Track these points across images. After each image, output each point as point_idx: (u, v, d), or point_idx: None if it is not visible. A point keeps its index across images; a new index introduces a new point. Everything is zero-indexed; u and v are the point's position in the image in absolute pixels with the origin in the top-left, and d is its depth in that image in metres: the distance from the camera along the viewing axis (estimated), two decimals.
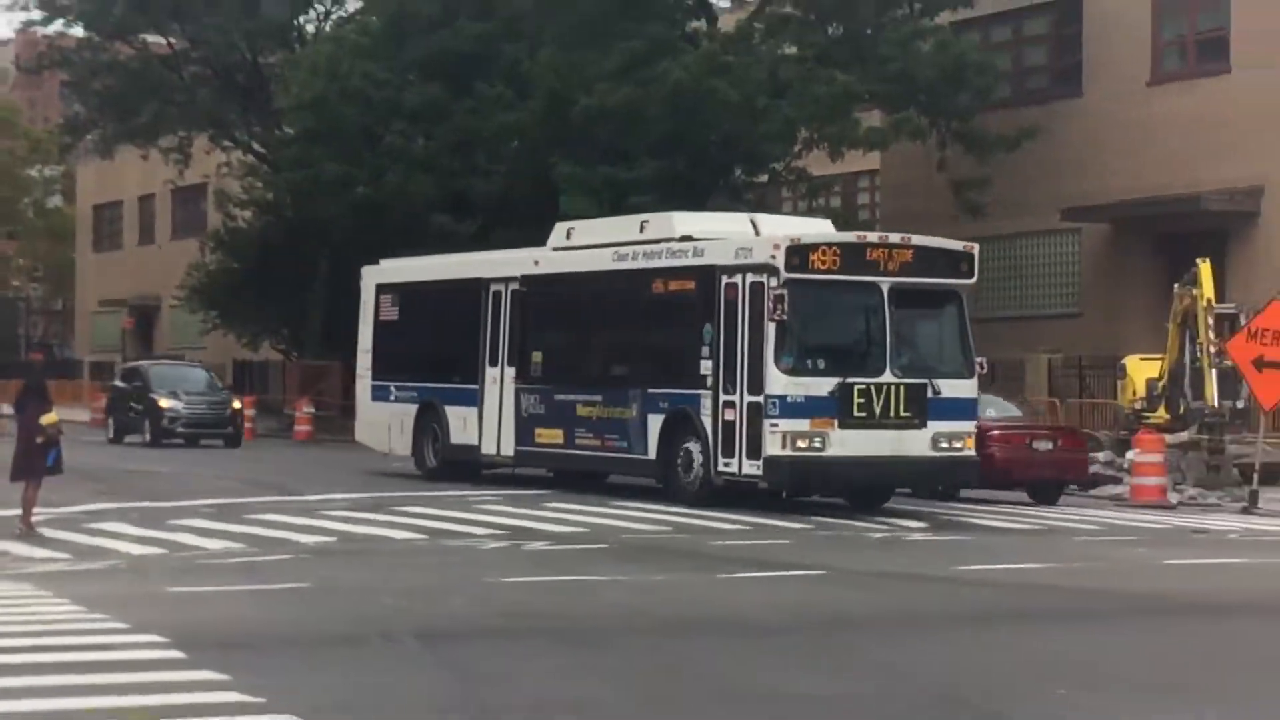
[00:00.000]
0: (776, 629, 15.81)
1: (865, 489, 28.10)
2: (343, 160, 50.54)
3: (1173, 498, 30.77)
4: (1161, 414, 33.16)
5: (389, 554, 22.60)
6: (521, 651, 13.98)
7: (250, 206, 63.98)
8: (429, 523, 26.17)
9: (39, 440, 24.67)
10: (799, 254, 25.95)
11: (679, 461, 27.93)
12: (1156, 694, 12.61)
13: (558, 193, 44.37)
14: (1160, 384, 33.38)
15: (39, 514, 24.64)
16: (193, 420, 47.70)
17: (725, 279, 27.29)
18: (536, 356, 31.78)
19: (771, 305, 25.55)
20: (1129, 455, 32.57)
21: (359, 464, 40.47)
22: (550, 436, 31.16)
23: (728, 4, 51.09)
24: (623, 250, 30.22)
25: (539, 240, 42.70)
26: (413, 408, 34.24)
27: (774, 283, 25.80)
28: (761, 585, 19.48)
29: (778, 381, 25.78)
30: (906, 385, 25.93)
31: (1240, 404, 31.00)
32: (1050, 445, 31.59)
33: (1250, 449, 30.76)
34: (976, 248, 28.12)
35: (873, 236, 27.42)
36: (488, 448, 32.42)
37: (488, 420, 32.31)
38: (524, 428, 31.64)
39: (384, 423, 35.71)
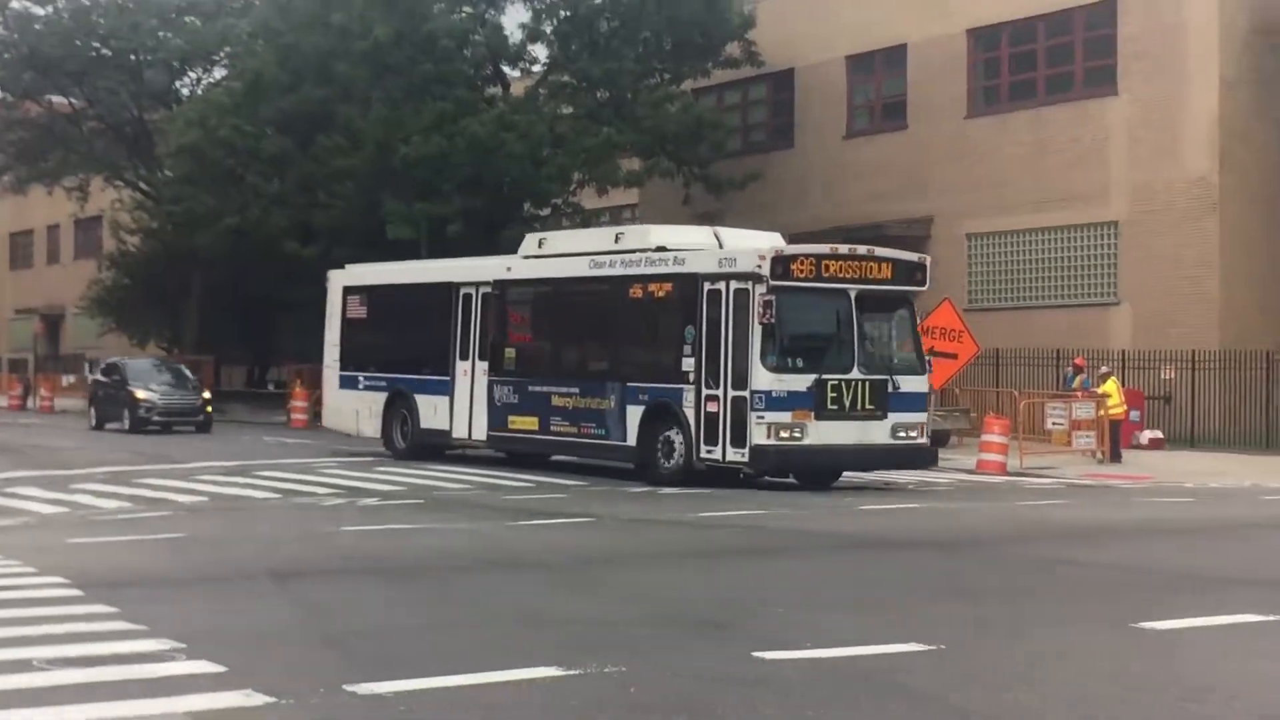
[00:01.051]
0: (554, 565, 15.67)
1: (833, 473, 26.45)
2: (213, 197, 50.43)
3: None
4: None
5: (248, 510, 22.32)
6: (352, 586, 14.04)
7: (138, 234, 63.86)
8: (282, 485, 25.93)
9: None
10: (782, 264, 24.43)
11: (660, 448, 25.96)
12: (853, 609, 12.60)
13: (385, 223, 44.97)
14: None
15: None
16: (166, 409, 43.97)
17: (708, 285, 25.45)
18: (510, 352, 29.90)
19: (761, 309, 24.00)
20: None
21: (243, 438, 40.65)
22: (524, 424, 29.08)
23: (518, 74, 51.46)
24: (599, 259, 28.14)
25: (370, 258, 43.31)
26: (382, 395, 31.94)
27: (761, 289, 24.16)
28: (543, 531, 19.26)
29: (763, 378, 24.22)
30: (871, 381, 24.75)
31: None
32: None
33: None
34: (929, 259, 27.31)
35: (844, 248, 25.70)
36: (459, 433, 30.44)
37: (459, 408, 30.30)
38: (497, 415, 29.53)
39: (352, 409, 33.36)
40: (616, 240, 28.52)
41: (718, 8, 47.20)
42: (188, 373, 47.88)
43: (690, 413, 25.25)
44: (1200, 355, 35.02)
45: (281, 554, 16.37)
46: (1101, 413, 31.62)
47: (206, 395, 45.99)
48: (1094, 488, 27.60)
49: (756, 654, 10.05)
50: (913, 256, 26.60)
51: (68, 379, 72.21)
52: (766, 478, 25.96)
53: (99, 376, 49.05)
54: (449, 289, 31.01)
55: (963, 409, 35.80)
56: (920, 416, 25.61)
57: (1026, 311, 40.30)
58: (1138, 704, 8.91)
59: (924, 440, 25.73)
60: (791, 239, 44.64)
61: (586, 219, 52.76)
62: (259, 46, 51.62)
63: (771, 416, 24.10)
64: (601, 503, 23.31)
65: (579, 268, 28.52)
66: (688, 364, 25.52)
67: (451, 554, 16.56)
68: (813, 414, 24.15)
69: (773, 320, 23.95)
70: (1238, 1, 37.23)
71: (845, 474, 26.36)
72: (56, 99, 63.21)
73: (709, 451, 25.10)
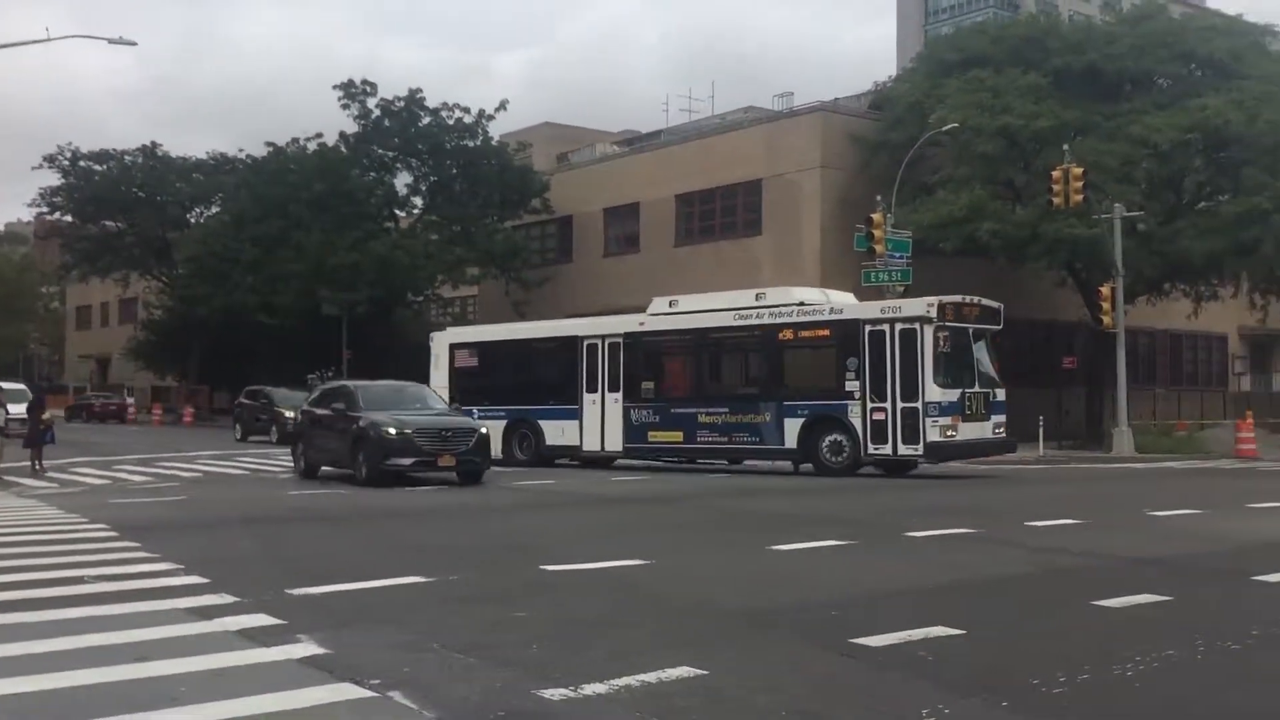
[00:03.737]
0: (436, 513, 15.34)
1: (960, 459, 23.73)
2: (208, 286, 49.27)
3: None
4: None
5: (229, 481, 21.80)
6: (298, 529, 13.58)
7: (160, 309, 61.90)
8: (251, 465, 25.44)
9: (40, 426, 24.27)
10: (942, 310, 21.83)
11: (826, 449, 22.54)
12: (608, 540, 12.45)
13: (319, 305, 44.25)
14: None
15: (44, 465, 23.84)
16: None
17: (869, 328, 22.20)
18: (647, 384, 25.13)
19: (936, 342, 21.46)
20: None
21: (219, 437, 39.55)
22: (666, 437, 24.64)
23: (404, 214, 50.99)
24: (744, 311, 24.14)
25: (310, 330, 42.40)
26: (500, 423, 26.11)
27: (929, 329, 21.51)
28: (438, 493, 18.60)
29: (935, 392, 21.48)
30: (984, 393, 22.38)
31: None
32: None
33: None
34: (1001, 306, 23.67)
35: (971, 299, 22.96)
36: (589, 446, 25.56)
37: (588, 429, 25.55)
38: (635, 432, 24.99)
39: None
40: (757, 298, 24.53)
41: (527, 177, 47.56)
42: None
43: (857, 421, 22.09)
44: None
45: (250, 508, 15.93)
46: None
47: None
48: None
49: (543, 566, 10.02)
50: (998, 305, 23.57)
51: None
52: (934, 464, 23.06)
53: (244, 399, 39.61)
54: (574, 341, 26.19)
55: None
56: (1003, 417, 22.97)
57: None
58: (766, 585, 9.01)
59: (1005, 435, 23.17)
60: (570, 316, 45.47)
61: (445, 305, 52.53)
62: (241, 194, 50.46)
63: (941, 421, 21.57)
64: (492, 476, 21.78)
65: (724, 319, 24.42)
66: (852, 385, 22.28)
67: (370, 509, 16.04)
68: (960, 418, 21.84)
69: (945, 350, 21.72)
70: (830, 184, 38.45)
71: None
72: (109, 223, 61.15)
73: (877, 449, 22.07)
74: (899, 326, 21.96)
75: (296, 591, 8.76)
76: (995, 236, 34.04)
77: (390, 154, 48.86)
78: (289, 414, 34.11)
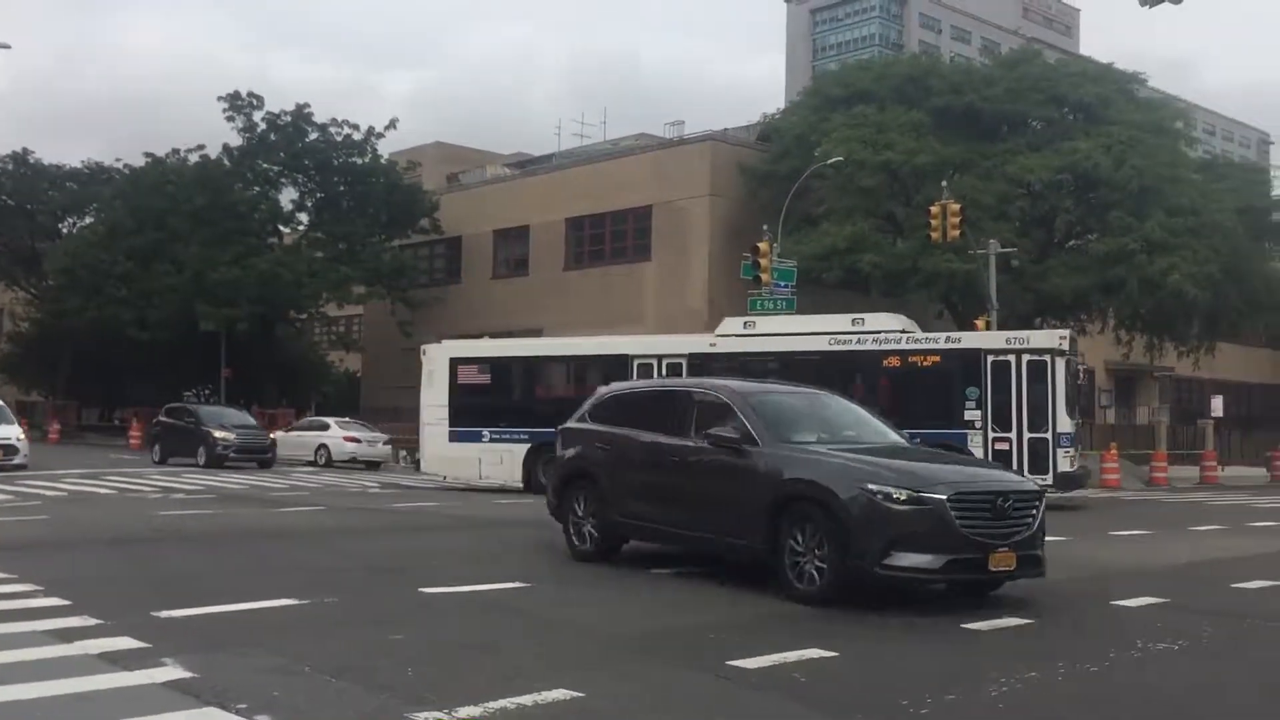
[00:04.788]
0: (314, 534, 14.98)
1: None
2: (80, 300, 47.45)
3: None
4: None
5: (95, 500, 20.69)
6: (167, 549, 13.09)
7: (27, 321, 59.32)
8: (119, 485, 24.10)
9: None
10: (1070, 342, 21.62)
11: None
12: (490, 562, 12.29)
13: (198, 319, 43.06)
14: None
15: None
16: (239, 447, 31.82)
17: (992, 358, 21.41)
18: None
19: (1073, 374, 21.30)
20: None
21: (95, 454, 38.02)
22: None
23: (288, 230, 49.91)
24: (841, 336, 22.72)
25: (188, 345, 41.13)
26: (521, 447, 23.99)
27: (1060, 360, 20.97)
28: (295, 515, 18.01)
29: (1065, 423, 20.95)
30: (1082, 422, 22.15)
31: None
32: None
33: None
34: (1065, 334, 22.49)
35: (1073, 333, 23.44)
36: None
37: None
38: None
39: (471, 458, 24.63)
40: (854, 323, 23.27)
41: (416, 197, 47.11)
42: (248, 416, 35.64)
43: (978, 450, 20.93)
44: None
45: (117, 528, 15.23)
46: None
47: (272, 438, 34.28)
48: None
49: (421, 589, 9.88)
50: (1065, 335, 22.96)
51: None
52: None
53: (164, 418, 34.95)
54: (622, 360, 24.13)
55: None
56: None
57: None
58: (646, 608, 9.04)
59: None
60: (458, 338, 45.12)
61: (329, 323, 51.61)
62: (117, 204, 48.88)
63: (1070, 451, 21.20)
64: (347, 498, 22.00)
65: (817, 343, 22.85)
66: (972, 414, 21.40)
67: (246, 529, 15.59)
68: (1078, 448, 21.81)
69: (1073, 382, 21.31)
70: (718, 212, 38.96)
71: None
72: None
73: None
74: (1026, 358, 21.33)
75: (163, 614, 8.50)
76: (876, 268, 34.93)
77: (275, 169, 47.80)
78: (220, 434, 31.92)
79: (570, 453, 12.55)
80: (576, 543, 12.15)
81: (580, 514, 12.14)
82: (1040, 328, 40.14)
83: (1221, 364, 47.06)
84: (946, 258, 33.47)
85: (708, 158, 39.89)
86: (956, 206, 30.16)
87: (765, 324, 24.19)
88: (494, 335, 42.06)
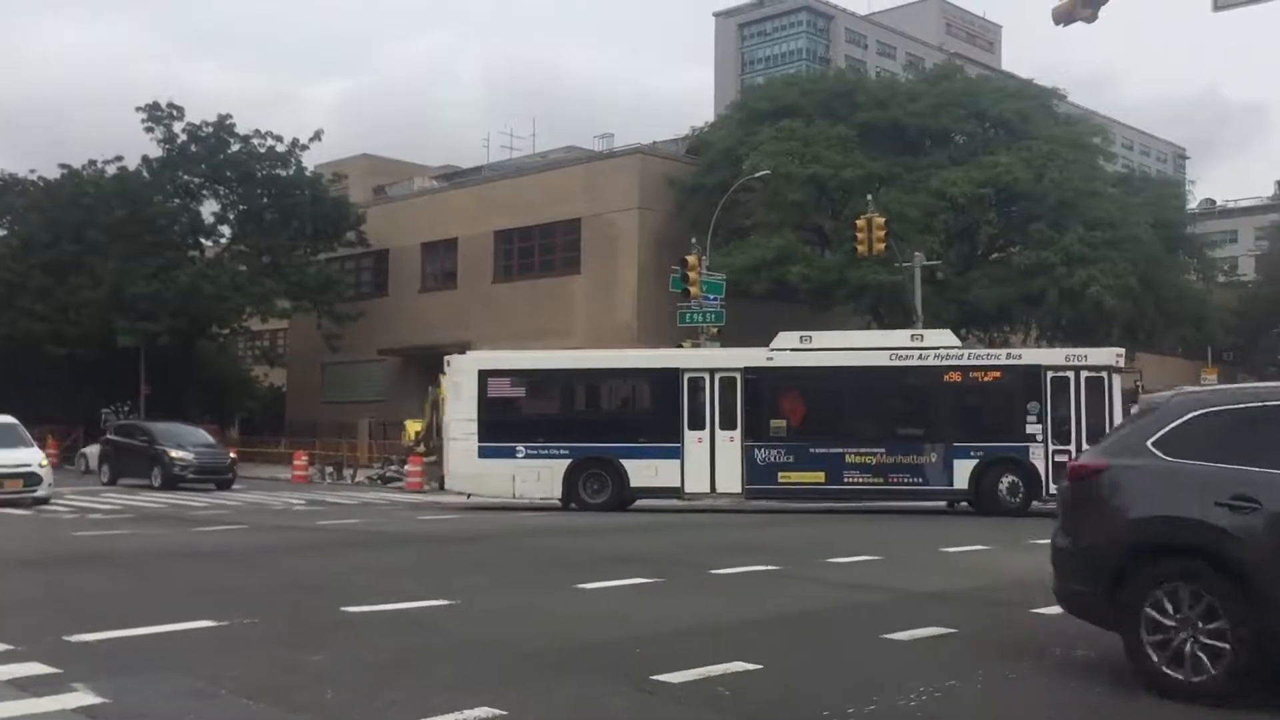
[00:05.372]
0: (232, 555, 14.64)
1: None
2: None
3: (426, 488, 29.17)
4: (422, 448, 29.88)
5: (7, 521, 19.94)
6: (81, 572, 12.73)
7: None
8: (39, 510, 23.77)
9: None
10: (1121, 359, 22.76)
11: (1005, 489, 22.17)
12: (412, 580, 12.11)
13: (115, 335, 42.12)
14: (419, 434, 30.46)
15: None
16: (197, 467, 30.62)
17: (1051, 374, 22.32)
18: (778, 422, 23.22)
19: (1119, 390, 21.96)
20: (407, 467, 31.30)
21: None
22: (803, 478, 22.87)
23: (210, 243, 49.01)
24: (902, 352, 23.12)
25: (105, 361, 40.14)
26: (561, 463, 23.38)
27: (1116, 377, 22.04)
28: (215, 535, 17.71)
29: None
30: None
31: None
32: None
33: None
34: (1119, 352, 23.53)
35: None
36: (695, 488, 23.15)
37: (693, 469, 23.07)
38: (760, 473, 22.94)
39: (505, 475, 23.53)
40: (912, 339, 24.17)
41: (342, 209, 46.62)
42: (208, 435, 33.78)
43: (1039, 463, 22.03)
44: None
45: (30, 550, 14.93)
46: None
47: (232, 455, 32.84)
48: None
49: (343, 608, 9.76)
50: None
51: None
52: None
53: (113, 436, 33.84)
54: (672, 374, 23.65)
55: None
56: None
57: None
58: (571, 624, 8.99)
59: None
60: (385, 353, 44.75)
61: (253, 338, 50.80)
62: (31, 216, 47.64)
63: None
64: (270, 516, 21.68)
65: (878, 359, 23.17)
66: (1033, 428, 22.24)
67: (162, 550, 15.23)
68: None
69: (1121, 397, 21.80)
70: (647, 225, 39.08)
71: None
72: None
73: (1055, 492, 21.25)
74: (1084, 374, 22.18)
75: (75, 638, 8.27)
76: (805, 280, 35.33)
77: (197, 181, 46.93)
78: (176, 454, 30.35)
79: (1142, 513, 7.17)
80: (1171, 671, 6.85)
81: (1177, 621, 6.88)
82: (965, 339, 41.08)
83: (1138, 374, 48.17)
84: (873, 270, 33.94)
85: (636, 171, 40.04)
86: (882, 220, 30.63)
87: (821, 339, 24.34)
88: (425, 348, 42.12)
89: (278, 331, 53.89)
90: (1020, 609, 10.29)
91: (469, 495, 24.53)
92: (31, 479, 23.56)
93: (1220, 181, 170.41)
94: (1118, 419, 21.32)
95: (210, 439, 33.26)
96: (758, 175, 34.49)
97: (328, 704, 6.43)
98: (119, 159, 46.78)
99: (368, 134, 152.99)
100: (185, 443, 31.39)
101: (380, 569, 13.37)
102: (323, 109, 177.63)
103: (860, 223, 30.70)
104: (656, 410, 23.76)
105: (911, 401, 23.63)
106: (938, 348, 23.34)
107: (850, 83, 42.33)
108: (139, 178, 46.23)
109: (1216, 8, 16.17)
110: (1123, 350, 23.56)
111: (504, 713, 6.22)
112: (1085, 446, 21.34)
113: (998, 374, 22.90)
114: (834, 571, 12.93)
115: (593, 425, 24.02)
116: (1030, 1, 31.17)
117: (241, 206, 47.02)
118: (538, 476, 23.53)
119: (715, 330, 30.59)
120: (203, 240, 48.47)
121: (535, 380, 24.80)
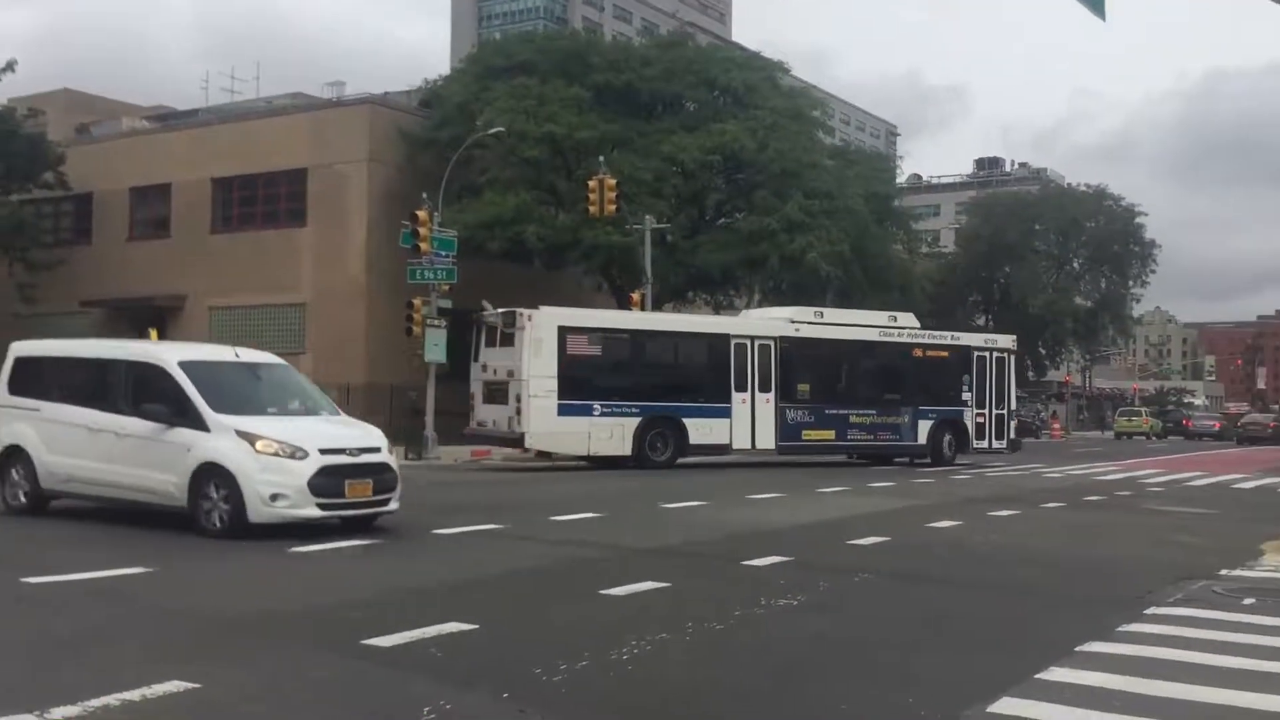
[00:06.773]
0: None
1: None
2: None
3: None
4: None
5: None
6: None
7: None
8: None
9: None
10: (1015, 344, 30.68)
11: (947, 444, 28.42)
12: (105, 547, 11.24)
13: None
14: None
15: None
16: None
17: (977, 353, 29.20)
18: (803, 386, 26.64)
19: (1014, 366, 30.26)
20: None
21: None
22: (819, 435, 26.85)
23: None
24: (886, 329, 28.60)
25: None
26: (633, 420, 24.25)
27: (1011, 357, 29.86)
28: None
29: (1014, 402, 30.22)
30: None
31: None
32: None
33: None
34: (1014, 338, 31.20)
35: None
36: (740, 444, 25.59)
37: (738, 428, 25.50)
38: (789, 431, 26.23)
39: (581, 433, 23.82)
40: (890, 319, 29.39)
41: (38, 147, 42.67)
42: None
43: (970, 424, 28.72)
44: (353, 386, 34.97)
45: None
46: None
47: None
48: None
49: (23, 579, 9.00)
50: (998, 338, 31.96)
51: None
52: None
53: None
54: (724, 339, 26.11)
55: None
56: None
57: None
58: (279, 589, 8.67)
59: None
60: (88, 304, 41.50)
61: None
62: None
63: (1015, 423, 30.43)
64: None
65: (871, 334, 28.30)
66: (966, 396, 28.80)
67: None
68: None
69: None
70: (378, 178, 37.93)
71: None
72: None
73: (979, 444, 28.74)
74: (995, 354, 29.45)
75: None
76: (540, 240, 35.26)
77: None
78: None
79: None
80: None
81: None
82: (692, 301, 42.29)
83: None
84: (606, 231, 34.27)
85: (366, 121, 38.73)
86: (613, 182, 30.92)
87: (832, 315, 29.03)
88: (135, 300, 39.49)
89: None
90: (732, 561, 10.69)
91: (580, 454, 24.39)
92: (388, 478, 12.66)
93: (925, 157, 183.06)
94: (1013, 389, 29.80)
95: None
96: (491, 132, 34.01)
97: None
98: None
99: (70, 68, 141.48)
100: None
101: (73, 537, 12.37)
102: (13, 37, 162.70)
103: (592, 184, 30.89)
104: (711, 373, 25.77)
105: (892, 372, 28.54)
106: (905, 328, 28.98)
107: (585, 44, 42.36)
108: None
109: None
110: (1014, 337, 30.92)
111: (197, 685, 5.87)
112: (994, 410, 29.15)
113: (945, 352, 29.01)
114: (556, 529, 13.04)
115: (658, 386, 25.47)
116: None
117: None
118: (611, 435, 24.24)
119: (447, 288, 30.08)
120: None
121: (615, 341, 25.35)
